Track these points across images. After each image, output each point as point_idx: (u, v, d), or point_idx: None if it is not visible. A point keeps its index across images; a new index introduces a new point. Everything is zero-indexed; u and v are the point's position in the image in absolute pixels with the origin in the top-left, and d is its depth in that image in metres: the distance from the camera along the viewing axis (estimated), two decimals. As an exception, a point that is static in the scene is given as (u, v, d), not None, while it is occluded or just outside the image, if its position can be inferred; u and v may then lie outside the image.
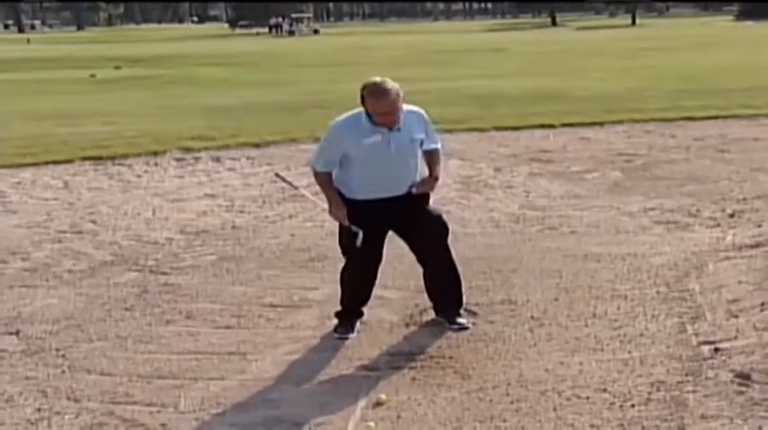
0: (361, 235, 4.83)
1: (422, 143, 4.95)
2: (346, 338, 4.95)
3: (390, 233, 5.08)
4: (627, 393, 4.16)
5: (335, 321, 5.13)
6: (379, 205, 4.87)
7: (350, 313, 5.11)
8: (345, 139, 4.79)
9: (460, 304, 5.17)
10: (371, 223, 4.86)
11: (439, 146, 5.11)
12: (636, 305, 5.39)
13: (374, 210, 4.86)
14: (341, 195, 4.93)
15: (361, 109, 4.76)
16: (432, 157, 5.09)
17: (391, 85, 4.68)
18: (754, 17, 74.33)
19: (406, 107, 4.85)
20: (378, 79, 4.73)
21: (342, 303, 5.14)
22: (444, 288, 5.13)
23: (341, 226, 4.96)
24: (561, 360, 4.60)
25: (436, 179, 5.05)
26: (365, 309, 5.19)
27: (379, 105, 4.66)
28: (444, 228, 5.06)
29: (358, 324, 5.10)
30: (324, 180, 4.96)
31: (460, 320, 5.08)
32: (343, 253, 5.04)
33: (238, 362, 4.74)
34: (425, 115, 5.01)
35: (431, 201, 5.07)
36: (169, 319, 5.44)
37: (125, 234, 7.65)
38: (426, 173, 5.06)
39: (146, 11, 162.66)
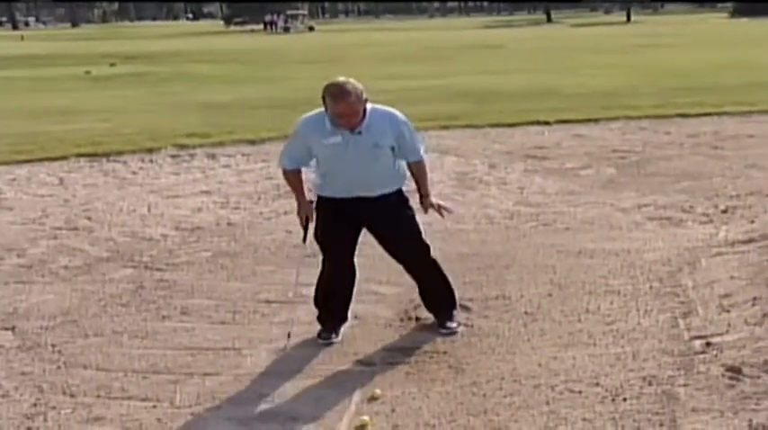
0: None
1: (393, 149, 4.76)
2: (330, 343, 4.87)
3: None
4: (619, 387, 4.19)
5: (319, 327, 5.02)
6: (347, 204, 4.79)
7: (332, 316, 4.99)
8: (308, 137, 4.73)
9: (453, 305, 5.10)
10: (339, 221, 4.81)
11: (420, 156, 4.91)
12: (629, 300, 5.42)
13: (341, 209, 4.79)
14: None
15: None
16: (415, 170, 4.94)
17: (351, 87, 4.53)
18: (749, 14, 74.45)
19: (379, 108, 4.73)
20: (340, 80, 4.60)
21: (315, 303, 5.03)
22: (430, 290, 5.06)
23: (317, 221, 4.89)
24: (554, 354, 4.63)
25: (427, 196, 4.94)
26: (350, 313, 5.09)
27: (336, 107, 4.54)
28: (417, 234, 4.92)
29: (342, 328, 5.00)
30: (291, 178, 4.90)
31: (450, 325, 5.00)
32: (322, 248, 4.95)
33: (234, 357, 4.76)
34: (401, 118, 4.77)
35: (410, 202, 4.96)
36: (164, 315, 5.46)
37: (120, 230, 7.67)
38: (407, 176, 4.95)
39: (140, 8, 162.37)
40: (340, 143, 4.65)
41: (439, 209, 4.99)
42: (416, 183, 4.98)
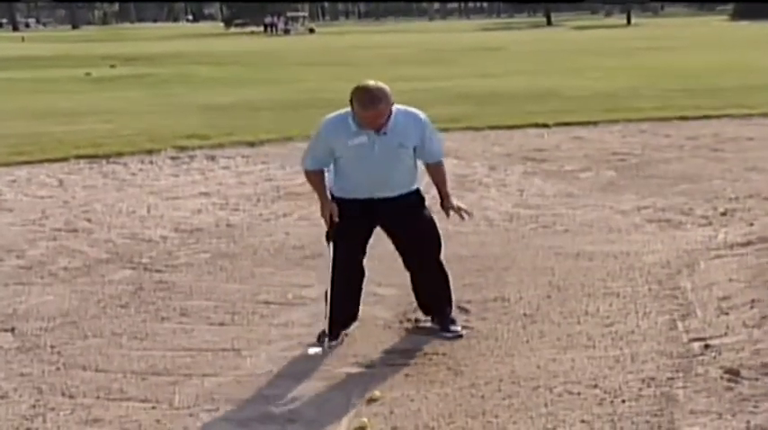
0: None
1: (415, 150, 4.78)
2: (331, 347, 4.83)
3: (381, 231, 5.06)
4: (618, 389, 4.20)
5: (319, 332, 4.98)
6: (367, 205, 4.80)
7: (341, 318, 4.94)
8: (332, 138, 4.72)
9: (451, 309, 5.09)
10: (354, 222, 4.81)
11: (440, 158, 4.92)
12: (627, 302, 5.43)
13: (360, 209, 4.80)
14: (330, 194, 4.88)
15: (349, 108, 4.66)
16: (435, 172, 4.94)
17: (381, 93, 4.51)
18: (749, 17, 74.48)
19: (402, 108, 4.73)
20: (370, 85, 4.55)
21: (327, 303, 4.95)
22: (433, 293, 5.06)
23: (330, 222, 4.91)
24: (553, 356, 4.63)
25: (448, 198, 4.92)
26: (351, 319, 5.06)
27: (365, 113, 4.54)
28: (435, 236, 4.95)
29: (349, 330, 4.99)
30: (314, 179, 4.89)
31: (454, 328, 5.00)
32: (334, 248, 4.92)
33: (233, 358, 4.77)
34: (424, 119, 4.79)
35: (426, 202, 4.98)
36: (164, 316, 5.46)
37: (120, 232, 7.67)
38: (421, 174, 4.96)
39: (141, 9, 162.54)
40: (365, 143, 4.65)
41: (459, 211, 4.97)
42: (436, 185, 4.98)
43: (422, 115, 4.82)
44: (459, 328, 5.03)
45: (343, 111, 4.72)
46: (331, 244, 4.86)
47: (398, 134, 4.69)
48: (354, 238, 4.90)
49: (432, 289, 5.07)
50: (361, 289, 5.07)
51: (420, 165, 4.95)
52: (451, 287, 5.13)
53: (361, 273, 5.02)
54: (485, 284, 5.88)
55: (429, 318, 5.14)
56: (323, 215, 4.89)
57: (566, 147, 11.53)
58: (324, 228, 4.94)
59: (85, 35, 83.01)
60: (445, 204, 4.96)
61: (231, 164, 10.93)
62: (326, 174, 4.91)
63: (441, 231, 5.04)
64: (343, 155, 4.73)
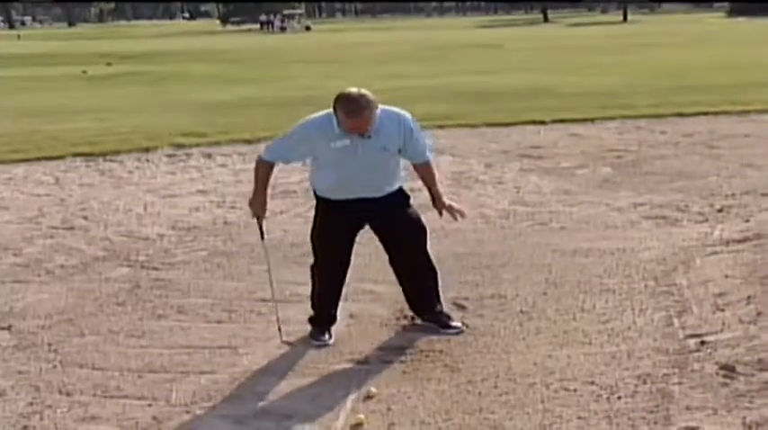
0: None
1: (400, 151, 4.75)
2: (326, 345, 4.86)
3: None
4: (614, 386, 4.20)
5: (309, 328, 5.02)
6: (351, 205, 4.77)
7: (322, 318, 4.99)
8: (313, 140, 4.65)
9: (441, 305, 5.08)
10: (340, 222, 4.80)
11: (427, 158, 4.90)
12: (624, 299, 5.44)
13: (345, 210, 4.77)
14: (314, 192, 4.89)
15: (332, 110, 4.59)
16: (422, 172, 4.93)
17: (366, 101, 4.43)
18: (746, 13, 74.56)
19: (387, 110, 4.66)
20: (353, 93, 4.47)
21: (312, 304, 5.04)
22: (423, 289, 5.03)
23: (315, 221, 4.90)
24: (549, 353, 4.64)
25: (439, 197, 4.94)
26: (340, 313, 5.08)
27: (350, 122, 4.48)
28: (422, 231, 4.92)
29: (333, 329, 4.99)
30: (263, 171, 4.84)
31: (454, 324, 5.00)
32: (314, 249, 4.95)
33: (229, 355, 4.77)
34: (410, 121, 4.73)
35: (411, 201, 4.97)
36: (161, 314, 5.46)
37: (116, 230, 7.67)
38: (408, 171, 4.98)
39: (137, 7, 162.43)
40: (348, 146, 4.59)
41: (451, 210, 4.96)
42: (426, 186, 4.96)
43: (407, 116, 4.76)
44: (458, 323, 5.03)
45: (326, 112, 4.63)
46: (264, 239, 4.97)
47: (382, 137, 4.62)
48: (341, 240, 4.88)
49: (422, 283, 5.03)
50: (341, 292, 5.04)
51: (407, 165, 4.95)
52: (440, 282, 5.11)
53: (346, 276, 5.00)
54: (481, 281, 5.89)
55: (423, 318, 5.10)
56: (250, 206, 4.94)
57: (562, 145, 11.54)
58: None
59: (81, 33, 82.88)
60: (437, 204, 4.96)
61: (228, 161, 10.94)
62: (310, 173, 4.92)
63: (437, 229, 5.04)
64: (324, 157, 4.69)
